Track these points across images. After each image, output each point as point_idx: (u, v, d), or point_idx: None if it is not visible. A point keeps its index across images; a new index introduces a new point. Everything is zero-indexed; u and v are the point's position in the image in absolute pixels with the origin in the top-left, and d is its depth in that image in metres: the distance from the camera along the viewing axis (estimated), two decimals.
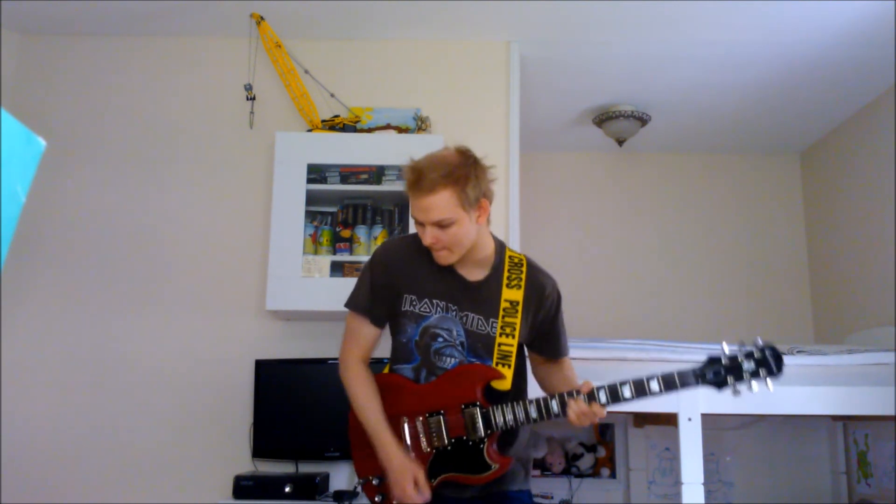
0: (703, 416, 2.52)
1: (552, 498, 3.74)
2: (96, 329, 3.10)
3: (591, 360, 2.49)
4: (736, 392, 1.76)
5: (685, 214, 4.60)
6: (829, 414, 3.37)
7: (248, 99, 3.20)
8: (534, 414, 1.80)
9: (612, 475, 3.92)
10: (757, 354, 1.75)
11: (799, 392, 2.61)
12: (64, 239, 3.17)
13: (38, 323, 3.10)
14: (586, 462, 3.89)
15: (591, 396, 1.77)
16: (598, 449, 3.94)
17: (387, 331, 2.04)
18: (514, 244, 3.15)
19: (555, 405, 1.79)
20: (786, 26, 3.16)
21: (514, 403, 1.81)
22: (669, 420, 2.63)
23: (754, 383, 1.74)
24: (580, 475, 3.87)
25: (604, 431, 3.98)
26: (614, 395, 1.77)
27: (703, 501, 2.45)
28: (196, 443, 3.02)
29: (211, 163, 3.25)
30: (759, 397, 2.58)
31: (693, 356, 2.63)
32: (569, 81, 3.73)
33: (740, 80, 3.65)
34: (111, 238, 3.17)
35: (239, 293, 3.12)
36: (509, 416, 1.81)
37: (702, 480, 2.47)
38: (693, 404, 2.52)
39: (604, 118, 3.98)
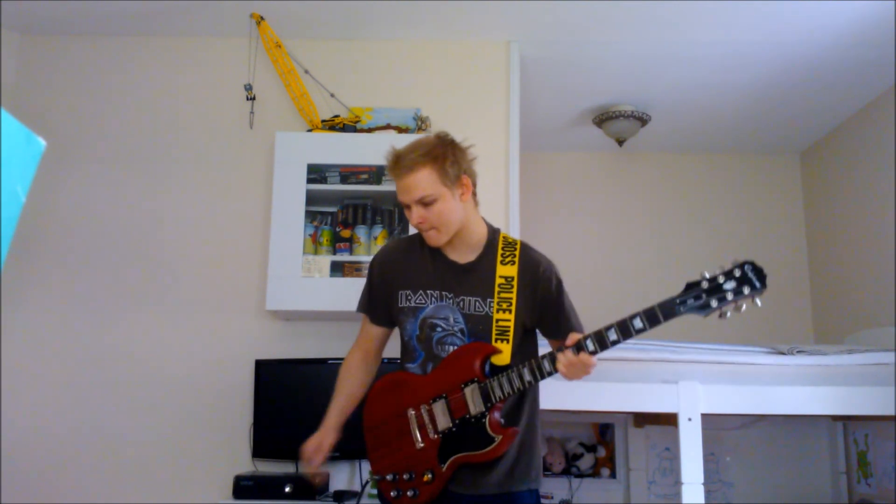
0: (703, 416, 2.52)
1: (552, 498, 3.74)
2: (96, 329, 3.10)
3: None
4: (722, 315, 1.67)
5: (685, 214, 4.60)
6: (829, 414, 3.37)
7: (248, 99, 3.20)
8: (528, 377, 1.79)
9: (612, 475, 3.91)
10: (737, 273, 1.66)
11: (799, 392, 2.60)
12: (64, 239, 3.17)
13: (38, 323, 3.10)
14: (586, 462, 3.89)
15: (579, 347, 1.75)
16: (598, 449, 3.94)
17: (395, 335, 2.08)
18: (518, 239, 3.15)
19: (546, 364, 1.78)
20: (786, 26, 3.16)
21: (510, 371, 1.81)
22: (669, 420, 2.63)
23: (741, 303, 1.66)
24: (580, 475, 3.87)
25: (604, 431, 3.99)
26: (601, 341, 1.74)
27: (703, 501, 2.45)
28: (196, 443, 3.02)
29: (211, 163, 3.25)
30: (759, 397, 2.60)
31: (693, 356, 2.64)
32: (569, 81, 3.73)
33: (740, 80, 3.65)
34: (111, 238, 3.17)
35: (239, 293, 3.12)
36: (506, 386, 1.81)
37: (702, 480, 2.46)
38: (693, 404, 2.52)
39: (604, 118, 3.98)
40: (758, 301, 1.65)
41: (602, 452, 3.93)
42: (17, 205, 0.98)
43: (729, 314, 1.67)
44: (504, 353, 1.86)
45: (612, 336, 1.73)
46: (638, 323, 1.72)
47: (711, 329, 4.22)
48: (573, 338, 1.76)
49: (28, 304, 3.11)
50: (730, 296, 1.65)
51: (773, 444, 3.90)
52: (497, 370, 1.86)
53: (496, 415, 1.84)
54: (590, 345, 1.74)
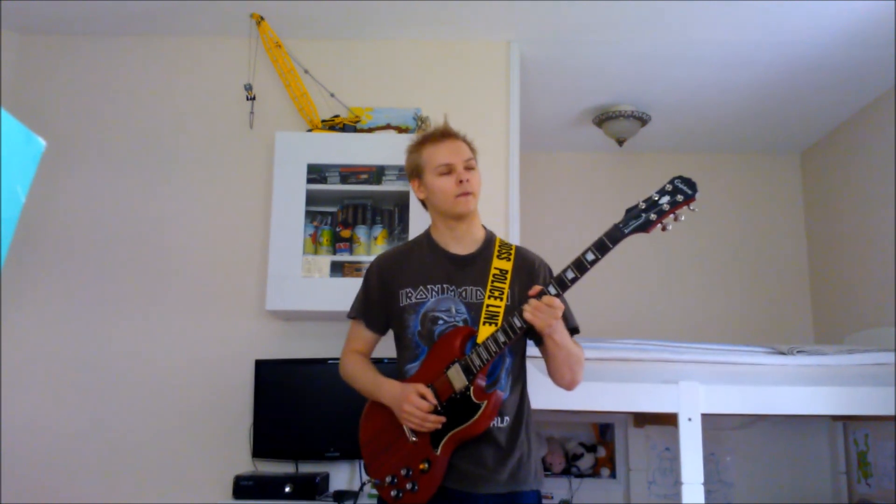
0: (703, 416, 2.52)
1: (552, 498, 3.74)
2: (96, 329, 3.10)
3: (591, 361, 2.49)
4: (664, 227, 1.78)
5: (685, 214, 4.59)
6: (829, 414, 3.37)
7: (248, 99, 3.20)
8: (502, 338, 1.83)
9: (612, 475, 3.92)
10: (668, 187, 1.78)
11: (799, 392, 2.61)
12: (64, 239, 3.17)
13: (38, 323, 3.10)
14: (586, 462, 3.89)
15: (542, 294, 1.81)
16: (598, 449, 3.94)
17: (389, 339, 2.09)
18: (514, 244, 3.15)
19: (516, 320, 1.82)
20: (786, 26, 3.16)
21: (486, 340, 1.85)
22: (669, 420, 2.63)
23: (678, 212, 1.77)
24: (580, 475, 3.88)
25: (604, 431, 3.99)
26: (561, 283, 1.81)
27: (703, 501, 2.45)
28: (196, 443, 3.02)
29: (211, 163, 3.25)
30: (759, 397, 2.60)
31: (693, 356, 2.64)
32: (569, 81, 3.73)
33: (740, 80, 3.65)
34: (111, 238, 3.17)
35: (239, 293, 3.12)
36: (483, 353, 1.84)
37: (702, 480, 2.47)
38: (693, 404, 2.53)
39: (604, 118, 3.98)
40: (693, 207, 1.77)
41: (602, 452, 3.94)
42: (17, 205, 0.98)
43: (670, 227, 1.78)
44: (486, 335, 1.87)
45: (570, 275, 1.80)
46: (590, 255, 1.79)
47: (711, 329, 4.26)
48: (536, 288, 1.83)
49: (28, 304, 3.11)
50: (666, 206, 1.77)
51: (773, 444, 3.90)
52: None
53: (480, 382, 1.87)
54: (552, 289, 1.80)
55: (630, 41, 3.33)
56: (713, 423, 3.42)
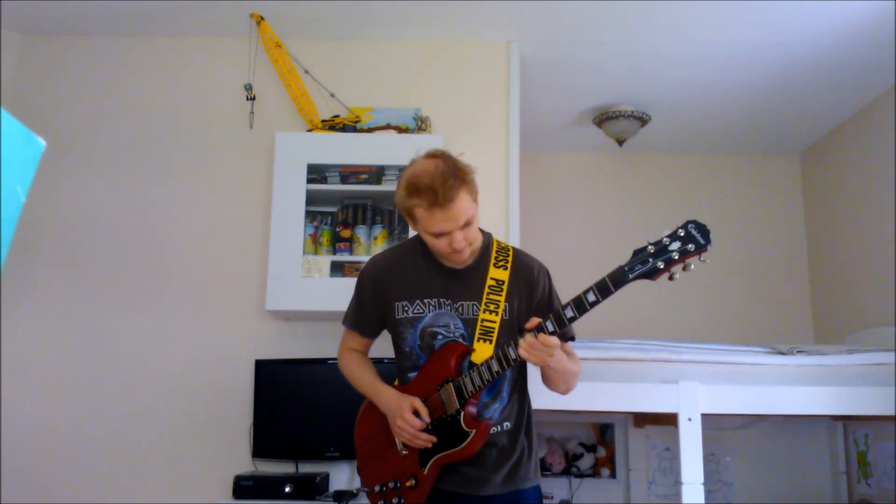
0: (703, 416, 2.53)
1: (552, 498, 3.75)
2: (96, 329, 3.10)
3: (591, 361, 2.49)
4: (671, 276, 1.66)
5: (685, 214, 4.57)
6: (829, 414, 3.37)
7: (248, 99, 3.20)
8: (496, 367, 1.80)
9: (612, 475, 3.92)
10: (681, 233, 1.66)
11: (799, 392, 2.61)
12: (64, 239, 3.17)
13: (38, 323, 3.10)
14: (586, 462, 3.89)
15: (539, 329, 1.74)
16: (598, 449, 3.94)
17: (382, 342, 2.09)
18: (514, 244, 3.14)
19: (511, 351, 1.78)
20: (786, 26, 3.16)
21: (479, 365, 1.82)
22: (669, 420, 2.63)
23: (688, 262, 1.65)
24: (580, 475, 3.88)
25: (604, 432, 3.99)
26: (559, 320, 1.73)
27: (703, 501, 2.45)
28: (196, 443, 3.02)
29: (211, 163, 3.25)
30: (759, 397, 2.61)
31: (693, 356, 2.64)
32: (569, 81, 3.73)
33: (740, 80, 3.65)
34: (111, 238, 3.17)
35: (239, 293, 3.12)
36: (476, 379, 1.82)
37: (702, 480, 2.47)
38: (693, 404, 2.53)
39: (604, 118, 3.98)
40: (704, 258, 1.65)
41: (602, 452, 3.94)
42: (17, 205, 0.98)
43: (678, 275, 1.67)
44: (481, 353, 1.85)
45: (569, 313, 1.73)
46: (591, 296, 1.71)
47: (711, 329, 4.25)
48: (533, 321, 1.76)
49: (28, 304, 3.11)
50: (676, 255, 1.65)
51: (773, 444, 3.90)
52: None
53: (471, 409, 1.85)
54: (549, 326, 1.74)
55: (630, 41, 3.33)
56: (713, 423, 3.42)
